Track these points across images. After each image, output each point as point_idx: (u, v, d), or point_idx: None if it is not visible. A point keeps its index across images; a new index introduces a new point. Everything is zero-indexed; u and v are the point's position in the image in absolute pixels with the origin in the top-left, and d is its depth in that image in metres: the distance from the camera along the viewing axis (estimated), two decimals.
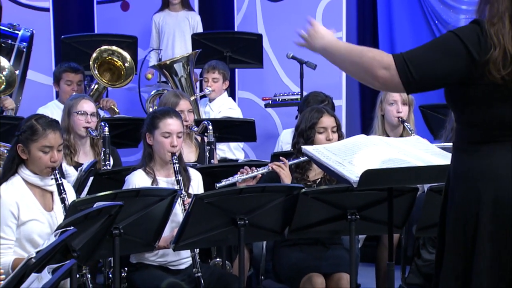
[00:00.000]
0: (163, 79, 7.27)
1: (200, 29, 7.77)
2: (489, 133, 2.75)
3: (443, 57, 2.73)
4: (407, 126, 5.48)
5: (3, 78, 5.90)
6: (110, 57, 6.61)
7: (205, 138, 5.38)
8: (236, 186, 4.38)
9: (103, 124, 5.09)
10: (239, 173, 4.55)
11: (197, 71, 7.25)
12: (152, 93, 6.82)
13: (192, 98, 6.39)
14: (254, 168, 4.58)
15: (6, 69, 5.92)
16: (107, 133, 5.05)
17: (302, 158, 4.50)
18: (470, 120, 2.77)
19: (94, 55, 6.52)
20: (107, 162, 5.05)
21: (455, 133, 2.87)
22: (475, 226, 2.72)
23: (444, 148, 3.64)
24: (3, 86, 5.90)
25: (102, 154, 5.08)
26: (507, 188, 2.70)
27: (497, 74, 2.67)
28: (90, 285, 3.82)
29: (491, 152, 2.74)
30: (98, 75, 6.52)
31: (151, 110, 6.21)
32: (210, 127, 5.33)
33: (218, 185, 4.44)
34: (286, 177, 4.53)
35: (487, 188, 2.72)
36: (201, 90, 6.83)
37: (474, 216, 2.73)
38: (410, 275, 4.65)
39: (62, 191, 3.89)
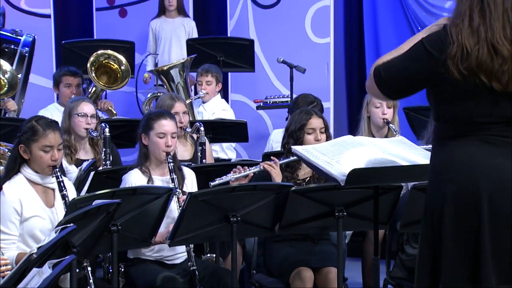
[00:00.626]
0: (159, 82, 7.26)
1: (195, 35, 7.76)
2: (455, 129, 2.78)
3: (407, 61, 2.82)
4: (391, 127, 5.48)
5: (5, 81, 5.88)
6: (106, 60, 6.61)
7: (196, 138, 5.39)
8: (229, 185, 4.38)
9: (103, 125, 5.06)
10: (232, 172, 4.55)
11: (193, 74, 7.25)
12: (149, 95, 6.82)
13: (188, 101, 6.40)
14: (246, 167, 4.57)
15: (8, 72, 5.90)
16: (107, 134, 5.02)
17: (292, 158, 4.50)
18: (439, 117, 2.83)
19: (92, 58, 6.53)
20: (107, 161, 5.02)
21: (433, 131, 2.92)
22: (441, 218, 2.75)
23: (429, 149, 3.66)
24: (5, 89, 5.88)
25: (102, 154, 5.06)
26: (468, 181, 2.72)
27: (455, 69, 2.70)
28: (91, 278, 3.81)
29: (456, 147, 2.78)
30: (96, 78, 6.53)
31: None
32: (202, 128, 5.34)
33: (212, 183, 4.44)
34: (277, 176, 4.53)
35: (450, 181, 2.75)
36: (196, 92, 6.82)
37: (439, 209, 2.76)
38: (395, 269, 4.65)
39: (63, 188, 3.89)
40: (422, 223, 2.86)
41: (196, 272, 4.24)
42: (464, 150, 2.76)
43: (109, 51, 6.65)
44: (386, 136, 5.45)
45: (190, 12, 8.10)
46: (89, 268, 3.79)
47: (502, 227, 2.71)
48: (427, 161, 3.28)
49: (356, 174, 3.18)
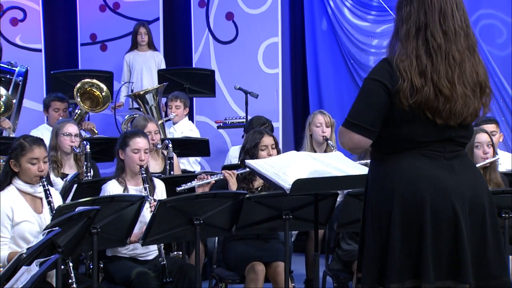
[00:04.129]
0: (135, 105, 7.22)
1: (163, 66, 7.73)
2: (399, 145, 2.72)
3: (366, 98, 2.70)
4: (330, 143, 5.51)
5: (1, 103, 5.81)
6: (90, 88, 6.59)
7: (166, 153, 5.36)
8: (193, 193, 4.35)
9: (85, 143, 5.06)
10: (196, 179, 4.55)
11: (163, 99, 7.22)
12: (126, 117, 6.80)
13: (160, 122, 6.39)
14: (208, 175, 4.57)
15: (4, 96, 5.85)
16: (88, 150, 5.02)
17: (247, 170, 4.48)
18: (387, 136, 2.73)
19: (77, 85, 6.53)
20: (89, 174, 5.00)
21: (372, 146, 2.80)
22: (388, 220, 2.69)
23: (365, 164, 3.68)
24: (2, 110, 5.81)
25: (84, 167, 5.03)
26: (412, 188, 2.68)
27: (406, 102, 2.65)
28: (72, 272, 3.74)
29: (400, 160, 2.72)
30: (81, 102, 6.52)
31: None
32: (170, 145, 5.32)
33: (178, 188, 4.42)
34: (233, 185, 4.53)
35: (397, 188, 2.69)
36: (166, 115, 6.80)
37: (387, 213, 2.69)
38: (332, 262, 4.65)
39: (49, 195, 3.85)
40: (368, 227, 2.77)
41: (166, 267, 4.19)
42: (407, 161, 2.70)
43: (93, 80, 6.63)
44: (325, 151, 5.47)
45: (161, 46, 8.07)
46: (70, 264, 3.73)
47: (442, 229, 2.66)
48: (359, 172, 3.30)
49: (299, 184, 3.17)
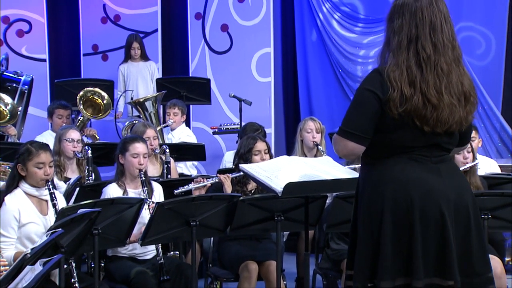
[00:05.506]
0: (135, 113, 7.20)
1: (157, 75, 7.69)
2: (389, 150, 2.72)
3: (358, 107, 2.70)
4: (320, 148, 5.51)
5: (7, 111, 5.80)
6: (92, 95, 6.58)
7: (164, 158, 5.34)
8: (189, 195, 4.34)
9: (86, 148, 5.05)
10: (193, 182, 4.53)
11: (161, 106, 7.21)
12: (126, 123, 6.77)
13: (159, 128, 6.38)
14: (205, 179, 4.56)
15: (9, 104, 5.83)
16: (90, 155, 5.01)
17: (240, 173, 4.47)
18: (377, 142, 2.72)
19: (80, 93, 6.52)
20: (90, 177, 4.99)
21: (363, 152, 2.78)
22: (380, 220, 2.68)
23: (354, 168, 3.67)
24: (7, 118, 5.80)
25: (86, 171, 5.01)
26: (402, 190, 2.67)
27: (395, 110, 2.65)
28: (75, 271, 3.73)
29: (390, 164, 2.71)
30: (83, 109, 6.50)
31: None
32: (167, 150, 5.31)
33: (175, 191, 4.40)
34: (228, 188, 4.52)
35: (388, 191, 2.69)
36: (165, 122, 6.78)
37: (379, 214, 2.69)
38: (322, 261, 4.65)
39: (54, 198, 3.83)
40: (360, 227, 2.75)
41: (163, 265, 4.18)
42: (398, 166, 2.70)
43: (95, 88, 6.61)
44: (316, 156, 5.47)
45: (159, 56, 8.06)
46: (73, 264, 3.72)
47: (430, 229, 2.66)
48: (347, 176, 3.29)
49: (290, 187, 3.16)
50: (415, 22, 2.68)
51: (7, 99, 5.83)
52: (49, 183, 3.84)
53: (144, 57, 7.69)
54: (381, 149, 2.72)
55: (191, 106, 7.88)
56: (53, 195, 3.83)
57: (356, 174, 3.17)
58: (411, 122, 2.67)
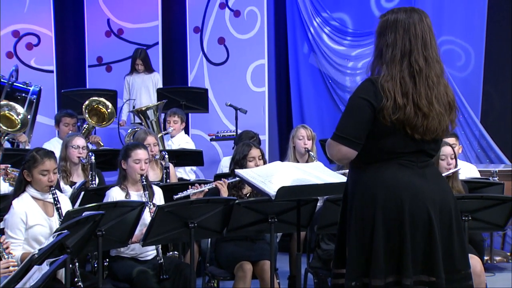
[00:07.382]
0: (137, 120, 7.19)
1: (160, 85, 7.70)
2: (380, 155, 2.73)
3: (352, 113, 2.70)
4: (311, 154, 5.50)
5: (18, 120, 5.79)
6: (97, 105, 6.56)
7: (163, 163, 5.33)
8: (188, 199, 4.32)
9: (90, 154, 5.06)
10: (191, 187, 4.50)
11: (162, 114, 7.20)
12: (129, 131, 6.77)
13: (159, 135, 6.37)
14: (202, 184, 4.53)
15: (21, 114, 5.82)
16: (93, 160, 5.01)
17: (236, 179, 4.46)
18: (369, 147, 2.72)
19: (86, 103, 6.50)
20: (94, 182, 4.98)
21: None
22: (372, 222, 2.69)
23: (343, 173, 3.66)
24: (18, 126, 5.79)
25: (90, 176, 5.00)
26: (393, 193, 2.68)
27: (388, 118, 2.66)
28: (78, 271, 3.71)
29: (380, 169, 2.72)
30: (88, 118, 6.48)
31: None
32: (167, 156, 5.30)
33: (175, 196, 4.38)
34: (224, 193, 4.50)
35: (380, 193, 2.69)
36: (165, 129, 6.77)
37: (371, 216, 2.69)
38: (313, 260, 4.64)
39: (57, 202, 3.82)
40: (351, 228, 2.74)
41: (163, 265, 4.16)
42: (388, 171, 2.71)
43: (100, 98, 6.59)
44: (307, 161, 5.47)
45: (160, 67, 8.06)
46: (76, 263, 3.70)
47: (418, 230, 2.67)
48: (337, 180, 3.29)
49: (283, 191, 3.15)
50: (408, 37, 2.71)
51: (20, 109, 5.84)
52: (53, 188, 3.82)
53: (149, 69, 7.70)
54: (372, 154, 2.73)
55: (190, 114, 7.88)
56: (57, 199, 3.81)
57: (345, 179, 3.17)
58: (402, 130, 2.69)
